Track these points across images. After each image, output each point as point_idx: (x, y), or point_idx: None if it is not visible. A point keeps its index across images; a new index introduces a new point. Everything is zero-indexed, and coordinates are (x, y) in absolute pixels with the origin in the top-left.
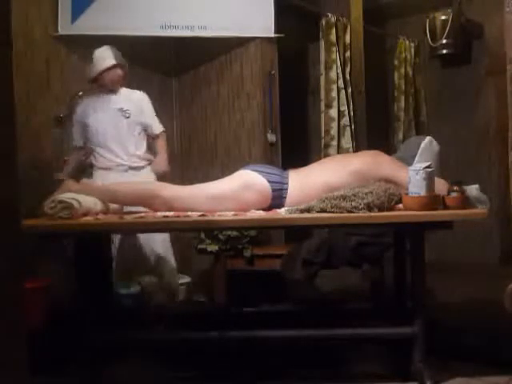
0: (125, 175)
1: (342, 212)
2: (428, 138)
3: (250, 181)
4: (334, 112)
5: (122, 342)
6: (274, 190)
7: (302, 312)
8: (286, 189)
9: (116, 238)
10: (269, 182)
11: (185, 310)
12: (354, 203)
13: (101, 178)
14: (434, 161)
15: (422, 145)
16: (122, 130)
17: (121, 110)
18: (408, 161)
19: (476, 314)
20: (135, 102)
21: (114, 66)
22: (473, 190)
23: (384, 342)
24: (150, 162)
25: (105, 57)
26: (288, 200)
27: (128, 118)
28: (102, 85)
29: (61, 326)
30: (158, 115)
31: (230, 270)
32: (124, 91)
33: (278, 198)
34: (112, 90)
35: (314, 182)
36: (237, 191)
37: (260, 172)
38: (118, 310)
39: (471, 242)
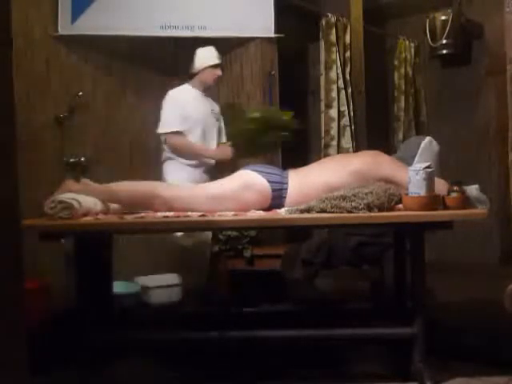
0: (205, 175)
1: (341, 212)
2: (428, 138)
3: (250, 181)
4: (333, 112)
5: (122, 342)
6: (273, 190)
7: (302, 312)
8: (286, 189)
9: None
10: (269, 181)
11: (185, 310)
12: (354, 203)
13: (186, 175)
14: (434, 161)
15: (422, 145)
16: (213, 131)
17: (213, 111)
18: (408, 161)
19: (476, 314)
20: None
21: (216, 66)
22: (473, 190)
23: (384, 342)
24: None
25: (210, 55)
26: (288, 200)
27: (217, 121)
28: (199, 81)
29: (61, 325)
30: (158, 115)
31: (230, 270)
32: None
33: (277, 198)
34: (206, 89)
35: (313, 182)
36: (237, 191)
37: (260, 172)
38: (118, 310)
39: (471, 242)
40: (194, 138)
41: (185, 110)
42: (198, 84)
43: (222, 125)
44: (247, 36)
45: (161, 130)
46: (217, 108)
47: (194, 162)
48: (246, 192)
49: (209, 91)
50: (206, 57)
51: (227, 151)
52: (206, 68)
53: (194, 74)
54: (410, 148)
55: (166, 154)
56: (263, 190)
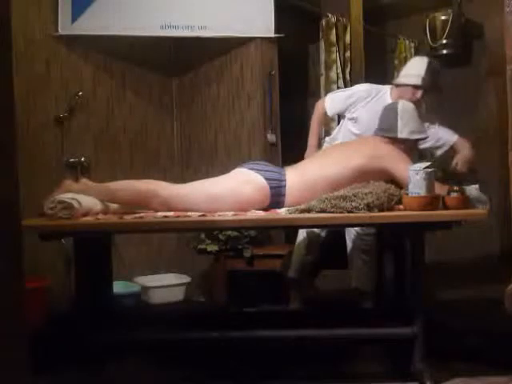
0: None
1: (342, 212)
2: (400, 102)
3: (248, 179)
4: None
5: (122, 341)
6: (271, 188)
7: (302, 312)
8: (285, 186)
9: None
10: (266, 179)
11: (185, 310)
12: (354, 203)
13: None
14: (415, 117)
15: (399, 109)
16: None
17: None
18: (393, 129)
19: (476, 314)
20: None
21: (413, 86)
22: (473, 189)
23: (384, 342)
24: None
25: (414, 73)
26: (288, 198)
27: None
28: (396, 94)
29: (61, 325)
30: (158, 115)
31: (230, 270)
32: None
33: (276, 196)
34: None
35: (313, 177)
36: (235, 189)
37: (256, 170)
38: (118, 310)
39: (471, 242)
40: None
41: (356, 106)
42: (395, 96)
43: None
44: (247, 36)
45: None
46: None
47: None
48: (244, 190)
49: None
50: (408, 74)
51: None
52: (404, 85)
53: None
54: (388, 117)
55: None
56: (261, 188)
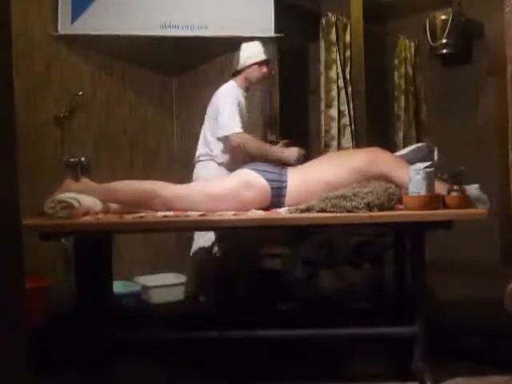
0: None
1: (342, 212)
2: (436, 150)
3: (249, 179)
4: (334, 111)
5: (122, 341)
6: (272, 188)
7: (302, 312)
8: (286, 187)
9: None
10: (267, 180)
11: (185, 309)
12: (354, 203)
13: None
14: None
15: (436, 155)
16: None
17: (249, 112)
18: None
19: (476, 314)
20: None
21: (263, 62)
22: (473, 189)
23: (384, 342)
24: None
25: (256, 51)
26: (288, 198)
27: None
28: (243, 80)
29: (61, 326)
30: (158, 115)
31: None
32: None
33: (277, 197)
34: (249, 88)
35: (313, 180)
36: (236, 190)
37: (258, 171)
38: (118, 310)
39: (471, 242)
40: None
41: (239, 108)
42: (241, 82)
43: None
44: (247, 36)
45: (225, 132)
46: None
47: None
48: (245, 190)
49: (254, 89)
50: (250, 53)
51: (298, 155)
52: (250, 65)
53: (239, 72)
54: (417, 155)
55: (208, 153)
56: (262, 189)
